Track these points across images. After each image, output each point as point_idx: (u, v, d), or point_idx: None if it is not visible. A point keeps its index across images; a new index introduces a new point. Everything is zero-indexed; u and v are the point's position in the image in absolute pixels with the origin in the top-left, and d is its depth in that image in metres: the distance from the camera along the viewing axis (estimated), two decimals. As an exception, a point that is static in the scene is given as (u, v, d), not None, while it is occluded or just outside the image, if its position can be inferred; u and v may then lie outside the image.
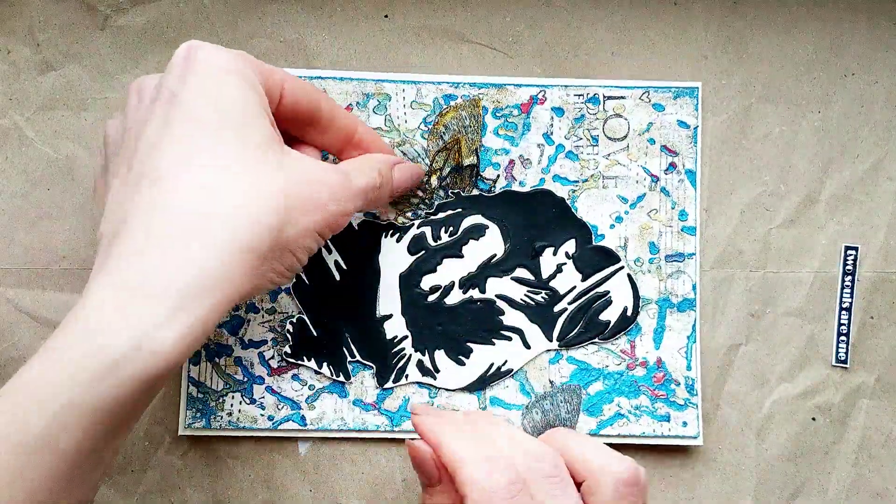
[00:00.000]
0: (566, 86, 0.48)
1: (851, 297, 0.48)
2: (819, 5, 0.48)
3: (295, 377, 0.47)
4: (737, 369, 0.48)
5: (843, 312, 0.48)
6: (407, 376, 0.47)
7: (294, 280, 0.47)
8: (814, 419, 0.48)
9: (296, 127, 0.41)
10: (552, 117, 0.48)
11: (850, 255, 0.48)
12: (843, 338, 0.48)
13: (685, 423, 0.47)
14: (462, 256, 0.47)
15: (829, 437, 0.48)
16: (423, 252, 0.47)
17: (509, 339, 0.47)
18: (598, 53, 0.48)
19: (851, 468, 0.48)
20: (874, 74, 0.49)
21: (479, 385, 0.47)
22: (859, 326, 0.48)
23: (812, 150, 0.48)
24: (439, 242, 0.47)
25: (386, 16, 0.48)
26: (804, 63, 0.48)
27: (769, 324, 0.48)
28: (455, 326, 0.47)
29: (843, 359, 0.48)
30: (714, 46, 0.48)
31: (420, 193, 0.47)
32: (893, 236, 0.48)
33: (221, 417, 0.46)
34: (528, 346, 0.47)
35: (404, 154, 0.46)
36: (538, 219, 0.47)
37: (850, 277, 0.48)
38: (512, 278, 0.47)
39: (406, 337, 0.47)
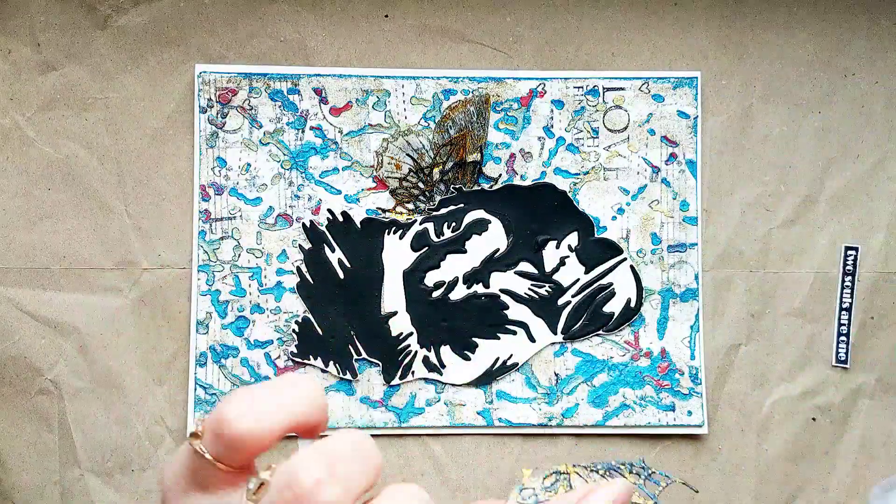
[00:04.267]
0: (565, 78, 0.48)
1: (851, 297, 0.48)
2: (819, 5, 0.48)
3: (301, 376, 0.47)
4: (737, 369, 0.48)
5: (843, 312, 0.48)
6: (413, 373, 0.47)
7: (299, 279, 0.47)
8: (814, 419, 0.48)
9: None
10: (552, 110, 0.48)
11: (850, 255, 0.48)
12: (843, 338, 0.48)
13: (690, 413, 0.47)
14: (465, 252, 0.47)
15: (829, 437, 0.48)
16: (426, 248, 0.47)
17: (514, 333, 0.47)
18: (598, 54, 0.48)
19: (851, 468, 0.48)
20: (875, 75, 0.49)
21: (486, 379, 0.47)
22: (859, 326, 0.48)
23: (812, 150, 0.48)
24: (442, 238, 0.47)
25: (386, 16, 0.48)
26: (804, 63, 0.48)
27: (769, 324, 0.48)
28: (460, 322, 0.47)
29: (843, 359, 0.48)
30: (714, 46, 0.48)
31: (421, 186, 0.47)
32: (893, 236, 0.48)
33: (229, 418, 0.46)
34: (532, 340, 0.47)
35: (409, 144, 0.46)
36: (540, 212, 0.47)
37: (850, 277, 0.48)
38: (515, 272, 0.47)
39: (411, 333, 0.47)
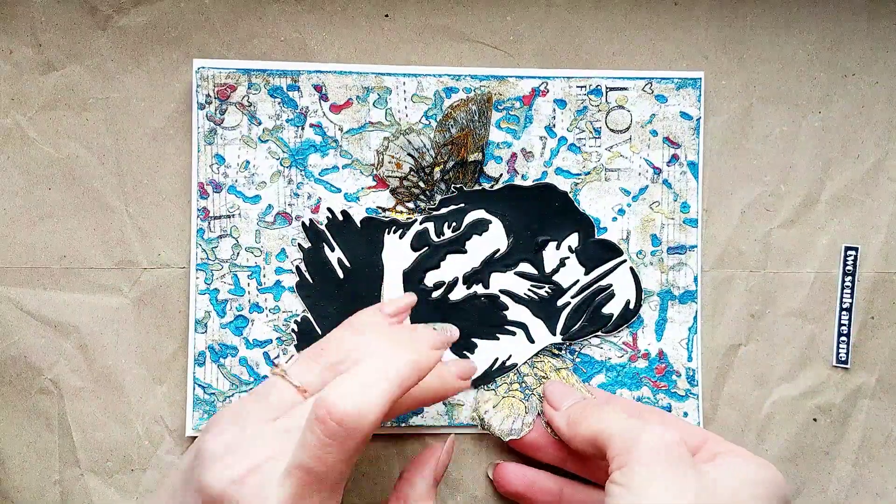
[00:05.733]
0: (568, 77, 0.48)
1: (851, 297, 0.48)
2: (819, 5, 0.48)
3: (301, 376, 0.47)
4: (737, 369, 0.48)
5: (844, 313, 0.48)
6: (412, 372, 0.47)
7: (298, 278, 0.47)
8: (815, 420, 0.48)
9: None
10: (554, 109, 0.48)
11: (850, 255, 0.48)
12: (843, 338, 0.48)
13: (686, 414, 0.47)
14: (465, 252, 0.47)
15: (829, 437, 0.48)
16: (426, 248, 0.47)
17: (513, 333, 0.47)
18: (598, 53, 0.48)
19: (851, 468, 0.48)
20: (874, 75, 0.49)
21: (485, 380, 0.47)
22: (859, 327, 0.48)
23: (812, 150, 0.49)
24: (442, 238, 0.47)
25: (386, 15, 0.48)
26: (804, 63, 0.49)
27: (769, 324, 0.48)
28: (459, 322, 0.46)
29: (843, 359, 0.48)
30: (714, 46, 0.48)
31: (421, 185, 0.47)
32: (893, 236, 0.48)
33: (229, 418, 0.46)
34: (532, 341, 0.47)
35: (410, 143, 0.46)
36: (541, 213, 0.47)
37: (850, 278, 0.48)
38: (515, 273, 0.47)
39: (411, 333, 0.47)
